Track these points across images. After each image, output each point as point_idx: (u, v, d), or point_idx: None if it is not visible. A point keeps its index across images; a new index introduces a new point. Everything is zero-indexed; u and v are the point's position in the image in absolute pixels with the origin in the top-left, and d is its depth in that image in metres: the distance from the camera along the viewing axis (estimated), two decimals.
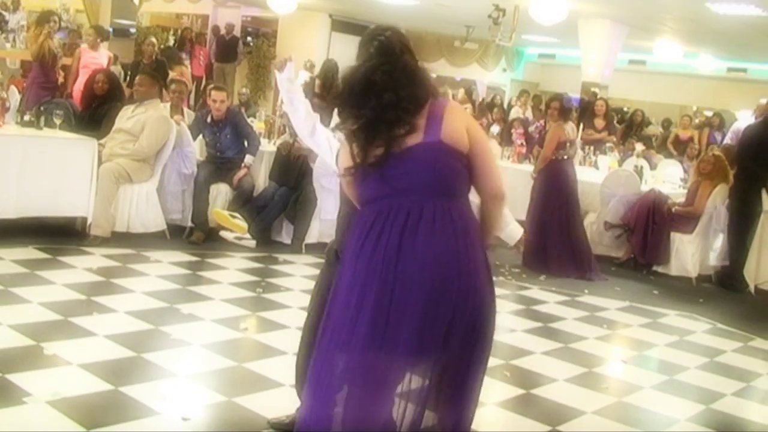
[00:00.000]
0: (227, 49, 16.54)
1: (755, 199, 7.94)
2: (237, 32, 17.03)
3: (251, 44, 17.10)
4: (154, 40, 11.79)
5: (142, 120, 6.95)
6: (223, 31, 16.87)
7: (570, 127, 8.14)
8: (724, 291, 7.84)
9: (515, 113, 13.54)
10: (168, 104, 7.75)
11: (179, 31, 17.47)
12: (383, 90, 2.62)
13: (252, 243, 7.17)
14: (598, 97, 12.64)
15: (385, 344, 2.55)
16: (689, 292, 7.59)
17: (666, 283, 7.84)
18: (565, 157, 7.86)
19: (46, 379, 3.77)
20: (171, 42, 16.66)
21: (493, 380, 4.50)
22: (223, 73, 16.31)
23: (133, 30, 14.41)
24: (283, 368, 4.38)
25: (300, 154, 7.34)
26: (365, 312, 2.57)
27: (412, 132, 2.62)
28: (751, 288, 7.83)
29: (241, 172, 7.40)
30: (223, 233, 7.19)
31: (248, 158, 7.47)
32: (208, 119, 7.41)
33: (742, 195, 7.98)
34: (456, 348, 2.60)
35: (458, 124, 2.68)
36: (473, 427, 2.83)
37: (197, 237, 7.13)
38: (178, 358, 4.27)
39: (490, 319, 2.69)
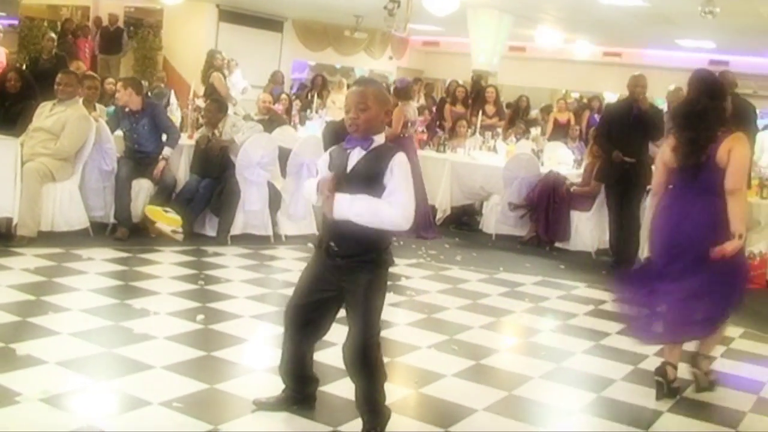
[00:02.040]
0: (111, 41, 16.22)
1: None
2: (120, 23, 16.75)
3: (137, 35, 16.81)
4: (53, 35, 11.55)
5: (62, 119, 6.93)
6: (106, 23, 16.56)
7: (412, 108, 8.91)
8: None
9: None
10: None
11: (59, 24, 17.00)
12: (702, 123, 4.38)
13: (180, 236, 7.26)
14: (488, 83, 13.20)
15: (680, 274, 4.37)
16: (591, 266, 8.17)
17: (568, 258, 8.40)
18: (406, 135, 8.58)
19: (30, 379, 3.86)
20: (52, 35, 16.20)
21: (444, 353, 4.88)
22: (108, 66, 16.00)
23: (16, 23, 13.98)
24: (251, 354, 4.63)
25: (221, 146, 7.48)
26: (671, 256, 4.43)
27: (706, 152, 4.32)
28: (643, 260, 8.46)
29: (161, 165, 7.47)
30: (159, 225, 7.24)
31: (166, 150, 7.55)
32: (126, 109, 7.45)
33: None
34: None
35: (724, 149, 4.28)
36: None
37: (122, 233, 7.17)
38: (148, 351, 4.40)
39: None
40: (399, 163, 3.37)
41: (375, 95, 3.42)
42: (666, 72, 8.58)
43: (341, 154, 3.50)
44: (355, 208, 3.33)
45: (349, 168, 3.44)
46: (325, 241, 3.48)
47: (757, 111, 8.43)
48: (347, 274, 3.44)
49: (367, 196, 3.34)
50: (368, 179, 3.37)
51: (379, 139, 3.45)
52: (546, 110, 15.62)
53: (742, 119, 7.49)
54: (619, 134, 8.02)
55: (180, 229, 7.22)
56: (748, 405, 4.56)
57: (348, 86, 13.81)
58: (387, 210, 3.32)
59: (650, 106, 8.08)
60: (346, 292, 3.47)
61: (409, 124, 8.69)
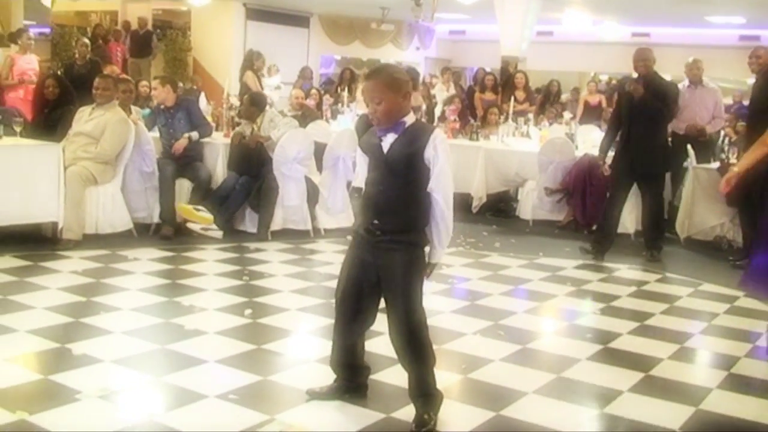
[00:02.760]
0: (141, 44, 16.43)
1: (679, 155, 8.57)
2: (149, 26, 16.94)
3: (166, 37, 16.98)
4: (86, 41, 11.71)
5: (102, 123, 7.05)
6: (135, 27, 16.74)
7: (414, 95, 8.91)
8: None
9: (439, 90, 13.93)
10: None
11: (89, 30, 17.21)
12: None
13: (219, 234, 7.35)
14: (517, 69, 13.17)
15: None
16: (631, 247, 8.14)
17: None
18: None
19: (88, 377, 3.96)
20: (86, 41, 16.42)
21: (490, 339, 4.92)
22: (139, 69, 16.19)
23: (47, 31, 14.19)
24: (300, 346, 4.69)
25: (257, 140, 7.56)
26: None
27: None
28: (681, 239, 8.44)
29: (182, 141, 7.58)
30: (190, 225, 7.35)
31: (194, 134, 7.67)
32: (162, 106, 7.60)
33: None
34: None
35: None
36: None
37: (168, 231, 7.30)
38: (200, 346, 4.49)
39: None
40: (441, 141, 3.44)
41: (387, 84, 3.45)
42: (695, 50, 8.51)
43: (374, 141, 3.55)
44: (445, 248, 3.60)
45: (385, 151, 3.48)
46: (368, 221, 3.53)
47: None
48: (385, 253, 3.48)
49: (440, 228, 3.53)
50: (407, 159, 3.44)
51: (410, 119, 3.50)
52: (576, 91, 15.58)
53: None
54: (628, 117, 7.50)
55: (213, 226, 7.31)
56: None
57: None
58: (447, 220, 3.53)
59: (658, 81, 7.50)
60: (384, 274, 3.52)
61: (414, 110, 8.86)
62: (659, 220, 7.92)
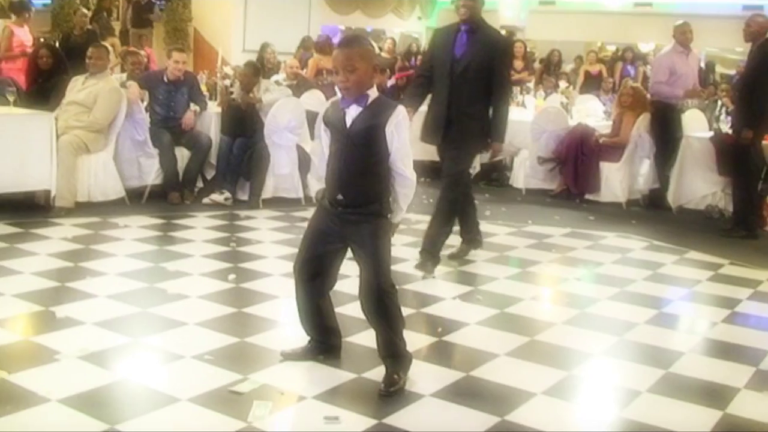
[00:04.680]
0: (143, 14, 16.41)
1: (674, 124, 8.59)
2: None
3: (167, 8, 16.91)
4: (85, 11, 11.76)
5: (94, 92, 7.12)
6: None
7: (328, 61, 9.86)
8: (652, 212, 8.44)
9: None
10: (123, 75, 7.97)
11: (90, 1, 17.18)
12: None
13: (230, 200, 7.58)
14: (516, 39, 13.13)
15: None
16: (621, 216, 8.20)
17: (599, 209, 8.44)
18: (323, 83, 9.95)
19: (69, 338, 4.06)
20: (84, 11, 16.38)
21: (469, 303, 4.99)
22: (139, 39, 16.18)
23: (48, 1, 14.20)
24: (280, 309, 4.77)
25: (249, 102, 7.63)
26: None
27: None
28: (673, 208, 8.49)
29: (190, 114, 7.73)
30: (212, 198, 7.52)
31: (197, 107, 7.82)
32: (165, 78, 7.65)
33: (661, 120, 8.58)
34: None
35: None
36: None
37: (174, 198, 7.51)
38: (182, 309, 4.57)
39: None
40: (403, 117, 3.50)
41: (361, 54, 3.49)
42: (698, 19, 8.50)
43: (337, 114, 3.59)
44: (405, 210, 3.69)
45: (348, 124, 3.53)
46: (332, 195, 3.59)
47: None
48: (352, 224, 3.56)
49: (400, 195, 3.62)
50: (368, 133, 3.49)
51: (373, 93, 3.55)
52: (580, 60, 15.51)
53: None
54: None
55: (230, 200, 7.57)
56: None
57: (379, 49, 13.85)
58: (408, 188, 3.63)
59: None
60: (352, 243, 3.61)
61: (324, 73, 10.37)
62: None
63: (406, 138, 3.55)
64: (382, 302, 3.58)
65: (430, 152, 6.25)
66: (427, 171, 8.19)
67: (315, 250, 3.69)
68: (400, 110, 3.53)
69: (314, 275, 3.73)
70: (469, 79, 5.49)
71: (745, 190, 7.71)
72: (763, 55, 7.46)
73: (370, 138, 3.49)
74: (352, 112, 3.53)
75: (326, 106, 3.79)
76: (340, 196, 3.57)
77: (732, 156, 7.78)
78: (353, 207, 3.55)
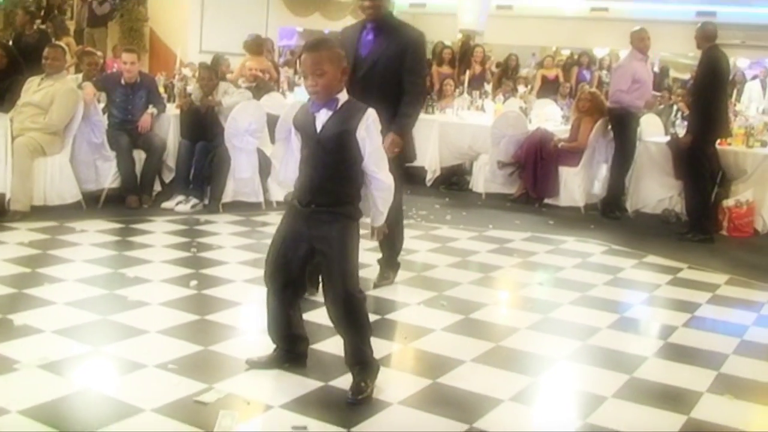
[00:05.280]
0: (96, 13, 16.16)
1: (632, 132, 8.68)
2: None
3: (122, 7, 16.69)
4: (28, 10, 11.53)
5: (50, 93, 6.98)
6: None
7: (257, 61, 10.03)
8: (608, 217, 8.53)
9: None
10: (79, 76, 7.82)
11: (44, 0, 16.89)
12: None
13: (200, 205, 7.50)
14: (476, 43, 13.21)
15: None
16: (580, 220, 8.28)
17: (558, 214, 8.51)
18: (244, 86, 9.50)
19: (28, 347, 3.97)
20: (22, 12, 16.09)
21: (433, 309, 4.99)
22: (93, 39, 15.96)
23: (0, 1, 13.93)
24: (244, 316, 4.72)
25: (207, 105, 7.55)
26: None
27: None
28: (630, 212, 8.60)
29: (147, 116, 7.62)
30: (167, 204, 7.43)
31: (154, 110, 7.72)
32: (122, 81, 7.53)
33: (620, 128, 8.65)
34: None
35: None
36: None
37: (133, 201, 7.40)
38: (143, 317, 4.50)
39: None
40: (374, 120, 3.47)
41: (329, 57, 3.45)
42: (652, 25, 8.59)
43: (307, 117, 3.55)
44: (385, 213, 3.67)
45: (318, 129, 3.50)
46: (303, 198, 3.56)
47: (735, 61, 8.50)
48: (320, 225, 3.52)
49: (377, 198, 3.60)
50: (339, 137, 3.46)
51: (343, 96, 3.52)
52: (540, 65, 15.64)
53: (720, 73, 7.61)
54: None
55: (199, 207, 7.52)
56: (731, 347, 4.67)
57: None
58: (385, 191, 3.60)
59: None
60: (319, 245, 3.55)
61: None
62: None
63: (379, 141, 3.53)
64: (350, 308, 3.54)
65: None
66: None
67: (285, 256, 3.64)
68: (371, 113, 3.49)
69: (286, 283, 3.68)
70: (376, 81, 4.94)
71: (699, 193, 7.85)
72: (709, 61, 7.63)
73: (342, 143, 3.45)
74: (322, 117, 3.50)
75: (295, 110, 3.73)
76: (310, 200, 3.53)
77: (686, 160, 7.91)
78: (323, 206, 3.52)
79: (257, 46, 10.37)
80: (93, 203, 7.30)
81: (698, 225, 7.72)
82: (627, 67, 8.72)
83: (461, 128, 9.61)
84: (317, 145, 3.49)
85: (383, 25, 5.05)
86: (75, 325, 4.31)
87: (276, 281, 3.71)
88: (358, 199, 3.58)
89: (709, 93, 7.55)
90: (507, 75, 13.73)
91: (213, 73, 7.89)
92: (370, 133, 3.47)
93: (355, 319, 3.59)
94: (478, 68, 12.60)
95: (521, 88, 11.41)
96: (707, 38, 7.64)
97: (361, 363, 3.64)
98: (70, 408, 3.38)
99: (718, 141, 8.04)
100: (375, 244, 5.83)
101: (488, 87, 12.54)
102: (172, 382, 3.66)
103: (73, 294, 4.81)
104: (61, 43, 9.21)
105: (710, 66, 7.60)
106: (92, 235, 6.30)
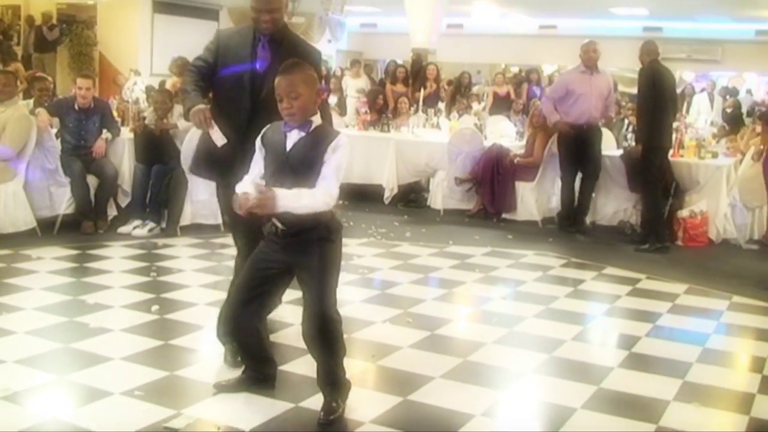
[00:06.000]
0: (45, 39, 15.99)
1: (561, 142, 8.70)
2: (53, 20, 16.50)
3: (71, 32, 16.52)
4: None
5: (2, 120, 6.86)
6: (38, 21, 16.30)
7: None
8: (565, 231, 8.59)
9: (350, 82, 13.94)
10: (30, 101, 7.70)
11: None
12: None
13: (157, 229, 7.41)
14: (429, 62, 13.30)
15: None
16: (538, 234, 8.35)
17: (516, 228, 8.57)
18: None
19: None
20: None
21: (399, 326, 4.98)
22: (42, 64, 15.77)
23: None
24: (208, 340, 4.65)
25: (162, 128, 7.48)
26: None
27: None
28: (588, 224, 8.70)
29: (101, 142, 7.52)
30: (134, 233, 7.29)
31: (108, 135, 7.62)
32: (75, 106, 7.43)
33: (566, 143, 8.69)
34: None
35: None
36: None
37: (88, 227, 7.29)
38: (106, 343, 4.42)
39: None
40: (341, 146, 3.43)
41: (304, 80, 3.43)
42: (600, 41, 8.75)
43: (278, 135, 3.52)
44: (290, 202, 3.37)
45: (288, 148, 3.48)
46: (272, 223, 3.52)
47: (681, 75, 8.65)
48: (298, 253, 3.49)
49: (287, 194, 3.36)
50: (307, 160, 3.42)
51: (317, 120, 3.49)
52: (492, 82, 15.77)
53: (662, 86, 7.79)
54: None
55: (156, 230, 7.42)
56: (694, 356, 4.74)
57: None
58: (307, 199, 3.38)
59: None
60: (299, 270, 3.53)
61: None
62: None
63: (340, 162, 3.44)
64: (326, 330, 3.51)
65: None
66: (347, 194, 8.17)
67: (254, 273, 3.60)
68: (340, 139, 3.47)
69: (250, 300, 3.60)
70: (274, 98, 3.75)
71: (653, 204, 7.99)
72: (650, 74, 7.88)
73: (309, 164, 3.42)
74: (294, 137, 3.47)
75: (264, 131, 3.66)
76: (279, 224, 3.50)
77: (639, 172, 8.05)
78: (296, 234, 3.49)
79: (177, 67, 10.28)
80: (48, 230, 7.17)
81: (653, 235, 7.84)
82: (564, 76, 8.88)
83: (417, 146, 9.65)
84: (284, 164, 3.46)
85: (281, 38, 4.24)
86: (37, 354, 4.22)
87: (241, 296, 3.63)
88: (326, 218, 3.53)
89: (652, 104, 7.77)
90: (460, 92, 13.83)
91: (167, 95, 7.83)
92: (335, 151, 3.42)
93: (331, 339, 3.56)
94: (433, 86, 12.66)
95: (476, 105, 11.49)
96: (649, 53, 7.94)
97: (333, 383, 3.62)
98: None
99: (671, 153, 8.19)
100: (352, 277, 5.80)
101: (442, 105, 12.62)
102: (140, 409, 3.60)
103: (32, 323, 4.72)
104: (11, 69, 9.11)
105: (651, 78, 7.85)
106: (49, 262, 6.19)
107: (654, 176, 7.90)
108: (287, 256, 3.52)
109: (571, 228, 8.48)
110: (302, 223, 3.45)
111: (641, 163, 7.89)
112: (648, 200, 8.02)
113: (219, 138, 3.93)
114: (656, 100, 7.78)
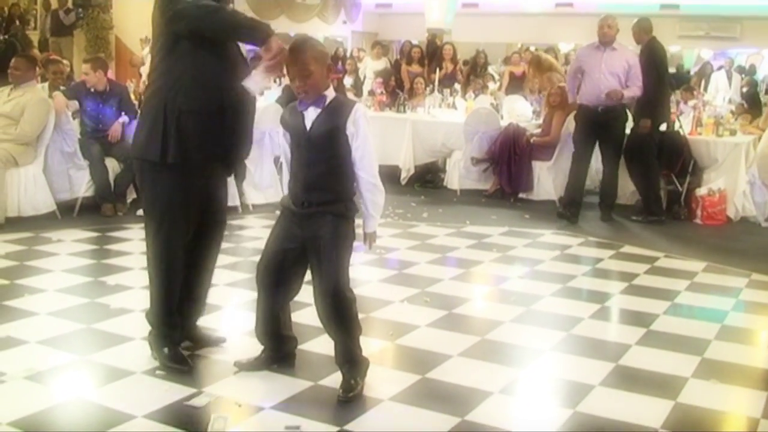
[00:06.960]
0: (62, 23, 16.04)
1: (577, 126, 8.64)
2: (69, 4, 16.53)
3: (86, 16, 16.55)
4: None
5: (21, 103, 6.91)
6: (55, 6, 16.35)
7: None
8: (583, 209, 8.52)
9: (370, 63, 13.91)
10: (45, 85, 7.74)
11: (6, 9, 16.71)
12: None
13: None
14: (444, 42, 13.26)
15: None
16: (555, 213, 8.31)
17: (533, 208, 8.57)
18: None
19: (13, 358, 3.94)
20: None
21: (417, 306, 5.01)
22: (59, 48, 15.82)
23: None
24: (228, 320, 4.72)
25: None
26: None
27: None
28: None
29: (117, 126, 7.56)
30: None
31: (125, 119, 7.63)
32: (91, 89, 7.46)
33: (583, 123, 8.61)
34: None
35: None
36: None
37: (108, 210, 7.33)
38: (127, 324, 4.47)
39: None
40: (362, 115, 3.49)
41: (314, 57, 3.46)
42: (617, 18, 8.65)
43: (296, 117, 3.57)
44: (378, 217, 3.70)
45: (308, 127, 3.51)
46: (296, 199, 3.56)
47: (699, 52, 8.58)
48: (314, 224, 3.53)
49: (367, 200, 3.60)
50: (329, 134, 3.48)
51: (330, 93, 3.54)
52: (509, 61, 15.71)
53: (663, 63, 7.99)
54: None
55: None
56: (712, 333, 4.74)
57: None
58: (378, 198, 3.62)
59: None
60: (311, 244, 3.56)
61: None
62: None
63: (367, 137, 3.52)
64: (340, 307, 3.55)
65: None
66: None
67: (277, 256, 3.65)
68: (358, 107, 3.51)
69: (277, 282, 3.68)
70: None
71: (652, 179, 8.04)
72: (650, 52, 7.98)
73: (331, 139, 3.47)
74: (311, 115, 3.51)
75: (282, 112, 3.73)
76: (303, 200, 3.54)
77: (638, 148, 8.07)
78: (316, 205, 3.53)
79: None
80: (68, 213, 7.24)
81: (649, 208, 8.03)
82: (578, 52, 8.90)
83: (434, 126, 9.65)
84: (307, 143, 3.50)
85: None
86: (59, 334, 4.28)
87: (268, 282, 3.71)
88: (351, 194, 3.59)
89: (653, 80, 7.81)
90: (476, 72, 13.79)
91: None
92: (358, 127, 3.49)
93: (345, 318, 3.59)
94: (450, 66, 12.63)
95: (491, 85, 11.45)
96: (645, 31, 8.03)
97: (351, 361, 3.65)
98: (60, 417, 3.36)
99: (689, 131, 8.19)
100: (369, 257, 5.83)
101: (458, 85, 12.58)
102: (162, 388, 3.65)
103: (54, 304, 4.77)
104: (31, 54, 9.16)
105: (652, 56, 7.91)
106: (69, 245, 6.25)
107: (652, 151, 8.02)
108: (302, 230, 3.56)
109: (573, 218, 7.93)
110: (327, 194, 3.52)
111: (641, 138, 8.00)
112: (648, 175, 8.13)
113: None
114: (657, 75, 7.88)
